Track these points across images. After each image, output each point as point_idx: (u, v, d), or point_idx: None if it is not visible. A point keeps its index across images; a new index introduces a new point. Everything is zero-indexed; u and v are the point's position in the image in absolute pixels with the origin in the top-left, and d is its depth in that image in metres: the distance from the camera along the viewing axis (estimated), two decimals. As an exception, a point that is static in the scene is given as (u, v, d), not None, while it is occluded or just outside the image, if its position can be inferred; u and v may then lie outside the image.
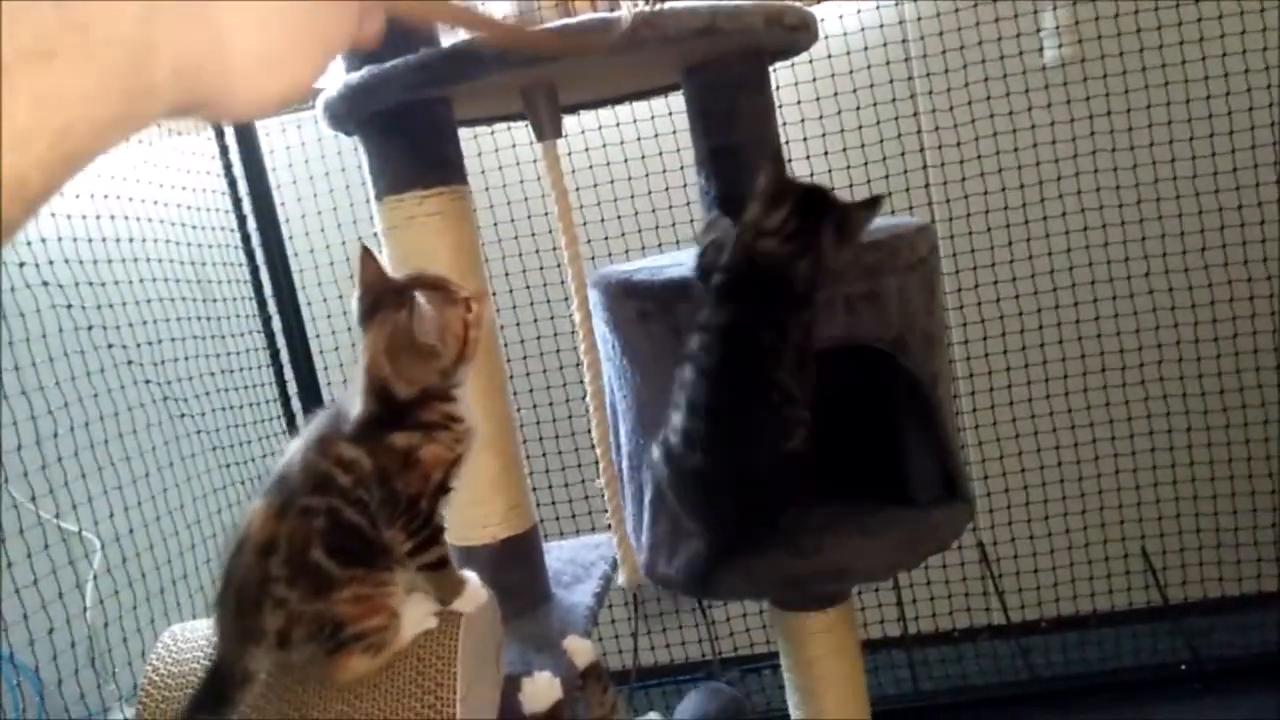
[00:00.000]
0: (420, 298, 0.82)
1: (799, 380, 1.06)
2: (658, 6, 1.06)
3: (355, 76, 1.09)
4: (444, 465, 0.87)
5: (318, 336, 1.93)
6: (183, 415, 1.77)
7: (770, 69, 1.33)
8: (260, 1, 0.36)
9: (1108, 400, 2.08)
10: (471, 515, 1.19)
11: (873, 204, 1.06)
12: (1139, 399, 2.06)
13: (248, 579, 0.82)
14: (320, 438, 0.86)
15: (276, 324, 1.77)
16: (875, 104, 2.00)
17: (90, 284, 1.58)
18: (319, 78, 0.40)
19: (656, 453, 1.12)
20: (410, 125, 1.14)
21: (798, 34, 1.21)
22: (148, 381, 1.68)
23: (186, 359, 1.75)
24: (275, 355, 1.79)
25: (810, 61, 1.90)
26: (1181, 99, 1.93)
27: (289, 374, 1.79)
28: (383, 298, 0.86)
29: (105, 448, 1.58)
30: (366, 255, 0.88)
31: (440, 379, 0.86)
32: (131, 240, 1.69)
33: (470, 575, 0.93)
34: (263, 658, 0.84)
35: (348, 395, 0.88)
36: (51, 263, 1.53)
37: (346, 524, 0.83)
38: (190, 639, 0.95)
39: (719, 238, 1.13)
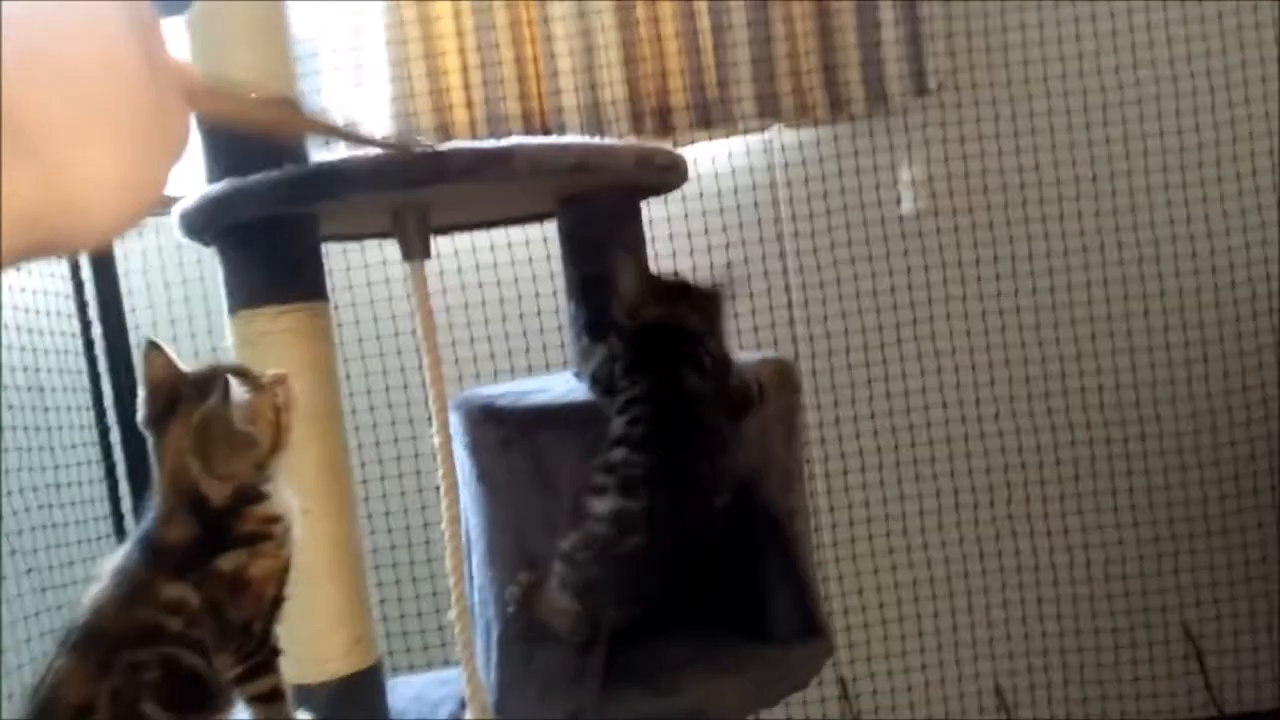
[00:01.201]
0: (233, 381, 0.78)
1: (728, 416, 1.14)
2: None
3: (215, 189, 1.07)
4: (275, 578, 0.81)
5: (161, 450, 1.82)
6: (13, 552, 1.62)
7: (643, 203, 1.36)
8: (92, 128, 0.34)
9: (961, 537, 2.14)
10: (310, 651, 1.12)
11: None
12: (991, 536, 2.13)
13: None
14: (135, 582, 0.78)
15: (115, 437, 1.67)
16: (744, 242, 2.07)
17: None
18: (164, 189, 0.39)
19: (560, 574, 1.10)
20: (270, 239, 1.11)
21: (667, 174, 1.25)
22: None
23: (10, 471, 1.62)
24: (110, 470, 1.68)
25: (683, 199, 1.96)
26: (1023, 254, 2.07)
27: (124, 490, 1.68)
28: (180, 393, 0.80)
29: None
30: (153, 350, 0.82)
31: (255, 473, 0.81)
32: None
33: (304, 716, 0.86)
34: None
35: (151, 524, 0.81)
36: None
37: (183, 670, 0.76)
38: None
39: (603, 352, 1.14)
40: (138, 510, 1.64)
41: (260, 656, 0.81)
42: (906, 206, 2.10)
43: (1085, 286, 2.07)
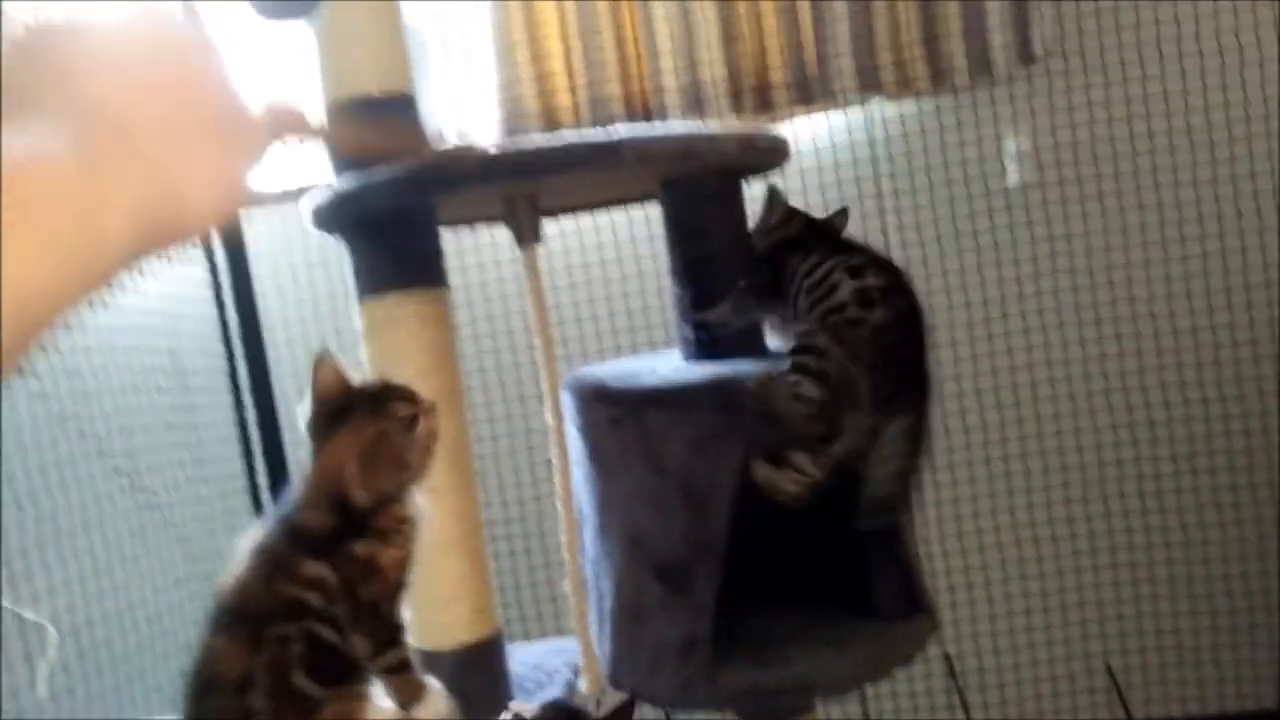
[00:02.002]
0: (417, 412, 0.84)
1: None
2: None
3: (342, 184, 1.13)
4: (401, 566, 0.88)
5: (291, 428, 1.93)
6: (151, 508, 1.75)
7: (745, 183, 1.38)
8: (183, 135, 0.39)
9: (1070, 515, 2.11)
10: (435, 619, 1.19)
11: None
12: (1100, 515, 2.10)
13: None
14: (278, 560, 0.85)
15: (251, 416, 1.77)
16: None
17: (66, 373, 1.58)
18: (246, 188, 0.44)
19: (801, 363, 1.14)
20: (394, 230, 1.18)
21: (770, 155, 1.27)
22: (118, 472, 1.67)
23: (158, 449, 1.74)
24: (247, 448, 1.79)
25: (783, 176, 1.97)
26: (1135, 224, 2.02)
27: (259, 466, 1.79)
28: (352, 404, 0.87)
29: (70, 538, 1.56)
30: (323, 362, 0.89)
31: (399, 489, 0.88)
32: (109, 329, 1.70)
33: (432, 681, 0.92)
34: None
35: (292, 508, 0.88)
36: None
37: (324, 644, 0.83)
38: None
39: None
40: (273, 485, 1.75)
41: (387, 634, 0.87)
42: (1013, 179, 2.06)
43: (1201, 257, 2.00)
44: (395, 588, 0.88)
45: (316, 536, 0.85)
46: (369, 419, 0.86)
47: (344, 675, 0.84)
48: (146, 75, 0.38)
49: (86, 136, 0.33)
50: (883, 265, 1.23)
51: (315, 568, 0.84)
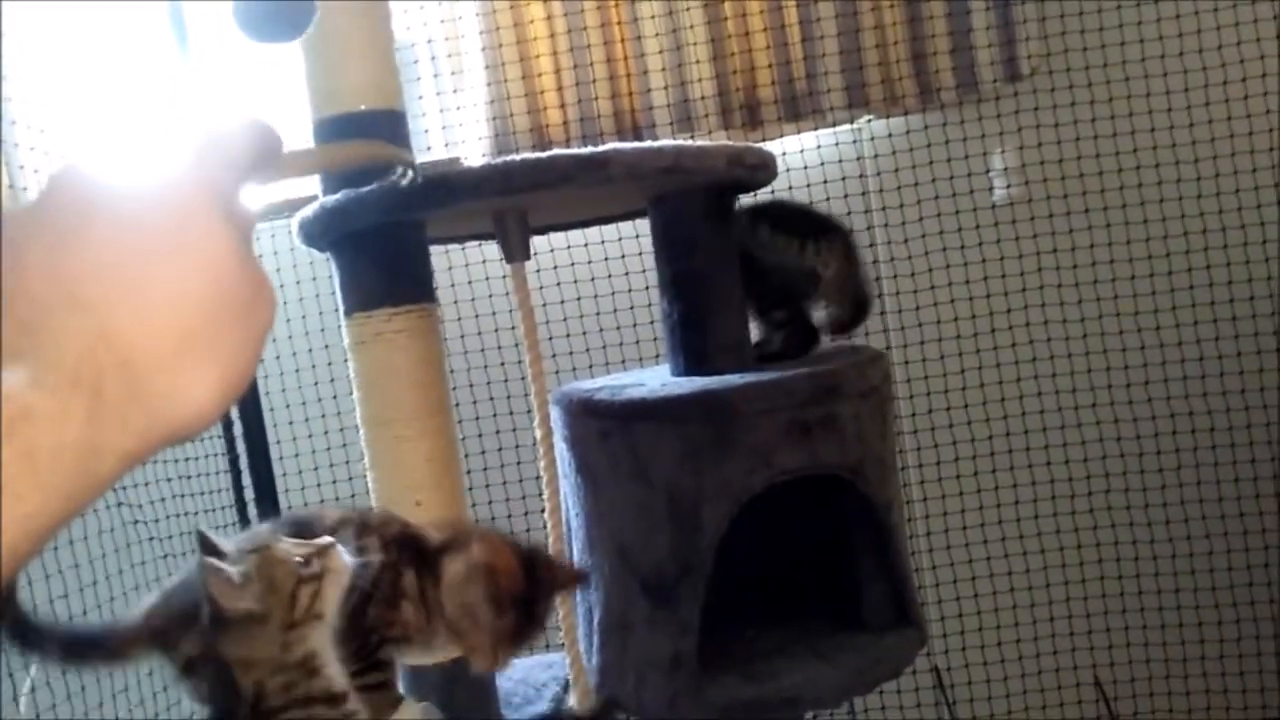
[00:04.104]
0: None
1: None
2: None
3: (331, 199, 1.14)
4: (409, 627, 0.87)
5: (279, 443, 1.93)
6: (136, 522, 1.75)
7: (733, 199, 1.39)
8: (193, 351, 0.35)
9: (1058, 528, 2.11)
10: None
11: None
12: (1089, 528, 2.11)
13: None
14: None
15: (238, 432, 1.77)
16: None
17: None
18: (258, 357, 0.40)
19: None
20: (382, 245, 1.18)
21: (758, 172, 1.27)
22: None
23: (144, 463, 1.74)
24: (234, 464, 1.79)
25: (772, 192, 1.98)
26: (1120, 240, 2.04)
27: (246, 483, 1.78)
28: None
29: (55, 554, 1.55)
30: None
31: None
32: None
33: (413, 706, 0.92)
34: None
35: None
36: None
37: None
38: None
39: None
40: (260, 502, 1.74)
41: (370, 663, 0.86)
42: (999, 195, 2.08)
43: (1188, 273, 2.02)
44: (399, 636, 0.86)
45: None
46: None
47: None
48: (145, 279, 0.35)
49: (90, 374, 0.32)
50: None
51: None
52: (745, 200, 1.43)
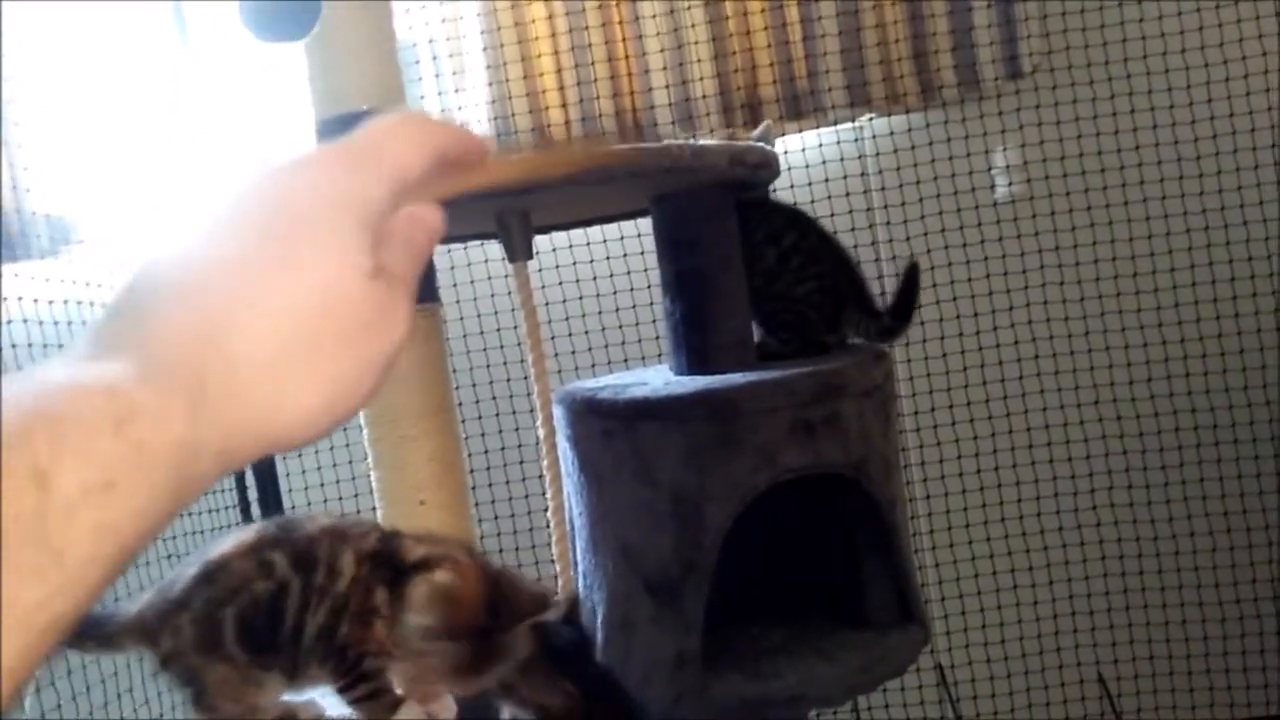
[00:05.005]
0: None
1: None
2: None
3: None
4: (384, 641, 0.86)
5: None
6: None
7: (735, 198, 1.39)
8: (302, 363, 0.35)
9: (1061, 525, 2.11)
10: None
11: None
12: (1091, 524, 2.11)
13: None
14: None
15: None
16: (836, 232, 2.07)
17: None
18: (373, 389, 0.38)
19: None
20: (386, 245, 1.18)
21: (760, 171, 1.28)
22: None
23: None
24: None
25: (774, 190, 1.98)
26: (1123, 237, 2.04)
27: (250, 482, 1.78)
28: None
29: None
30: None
31: None
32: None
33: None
34: None
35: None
36: (14, 346, 1.54)
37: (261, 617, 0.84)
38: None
39: None
40: (264, 500, 1.75)
41: (353, 675, 0.85)
42: (1000, 192, 2.08)
43: (1190, 269, 2.02)
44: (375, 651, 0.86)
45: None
46: None
47: (269, 649, 0.83)
48: (271, 285, 0.35)
49: (195, 372, 0.32)
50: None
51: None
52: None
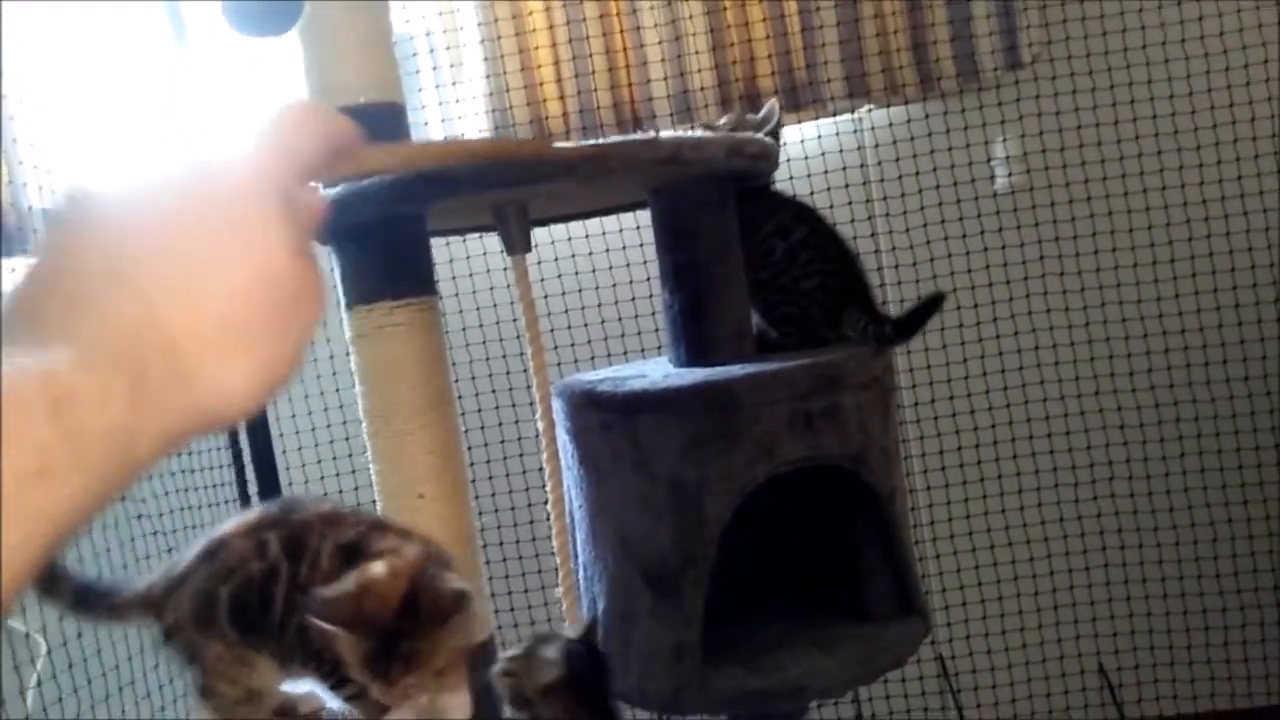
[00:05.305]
0: None
1: None
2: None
3: (331, 192, 1.13)
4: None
5: (281, 436, 1.93)
6: (140, 516, 1.75)
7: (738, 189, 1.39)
8: (240, 340, 0.36)
9: (1061, 516, 2.11)
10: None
11: None
12: (1092, 515, 2.11)
13: None
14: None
15: (241, 425, 1.77)
16: (835, 223, 2.07)
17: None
18: (305, 351, 0.40)
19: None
20: (383, 238, 1.18)
21: (758, 163, 1.27)
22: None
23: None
24: (238, 457, 1.79)
25: (773, 182, 1.98)
26: (1122, 228, 2.03)
27: (250, 476, 1.78)
28: None
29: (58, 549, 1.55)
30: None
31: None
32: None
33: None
34: None
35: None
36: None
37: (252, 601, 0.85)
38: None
39: None
40: (264, 495, 1.75)
41: (334, 677, 0.85)
42: (1000, 183, 2.08)
43: (1190, 260, 2.01)
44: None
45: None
46: None
47: (260, 630, 0.83)
48: (206, 265, 0.35)
49: (135, 357, 0.32)
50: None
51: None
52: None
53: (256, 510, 0.88)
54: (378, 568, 0.77)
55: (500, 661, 0.99)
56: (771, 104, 1.47)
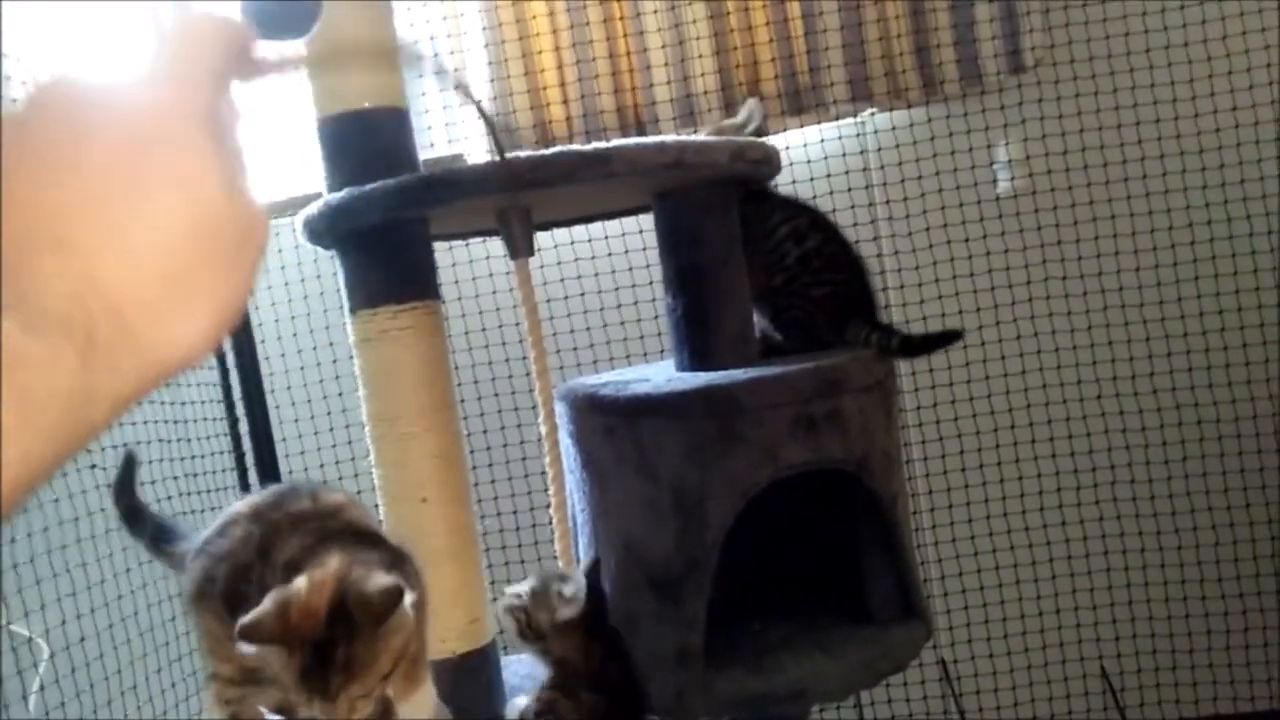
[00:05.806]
0: None
1: None
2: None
3: (336, 197, 1.14)
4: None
5: (284, 440, 1.93)
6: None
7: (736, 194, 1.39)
8: (185, 295, 0.34)
9: (1063, 519, 2.11)
10: (430, 630, 1.19)
11: None
12: (1094, 519, 2.10)
13: None
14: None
15: (244, 429, 1.77)
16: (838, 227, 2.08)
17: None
18: (251, 288, 0.38)
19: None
20: (387, 243, 1.18)
21: (760, 166, 1.28)
22: (110, 485, 1.66)
23: (150, 462, 1.74)
24: (241, 460, 1.79)
25: (776, 186, 1.98)
26: (1125, 231, 2.03)
27: (253, 480, 1.79)
28: None
29: (62, 553, 1.56)
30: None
31: None
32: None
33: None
34: None
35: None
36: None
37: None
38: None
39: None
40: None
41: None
42: (1003, 186, 2.08)
43: (1192, 264, 2.01)
44: None
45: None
46: None
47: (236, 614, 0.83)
48: (139, 214, 0.33)
49: (81, 319, 0.31)
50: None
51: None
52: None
53: (268, 491, 0.91)
54: (299, 582, 0.76)
55: (509, 595, 1.01)
56: (750, 103, 1.47)
